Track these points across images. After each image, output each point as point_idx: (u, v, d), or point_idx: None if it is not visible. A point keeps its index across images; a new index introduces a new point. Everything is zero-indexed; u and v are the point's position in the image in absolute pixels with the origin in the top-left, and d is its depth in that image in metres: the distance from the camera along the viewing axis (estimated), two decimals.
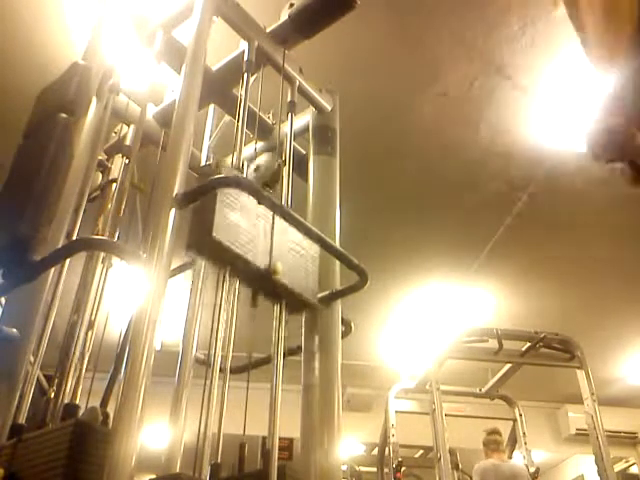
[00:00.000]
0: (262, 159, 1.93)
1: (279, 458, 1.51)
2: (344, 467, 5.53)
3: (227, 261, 1.55)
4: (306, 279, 1.71)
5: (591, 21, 0.69)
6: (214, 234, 1.45)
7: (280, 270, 1.58)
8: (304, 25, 2.06)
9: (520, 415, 4.91)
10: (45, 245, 1.67)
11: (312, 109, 2.24)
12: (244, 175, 1.69)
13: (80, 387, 1.71)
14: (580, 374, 4.22)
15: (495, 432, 4.69)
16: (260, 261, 1.56)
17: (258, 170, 1.94)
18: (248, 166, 2.32)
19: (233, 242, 1.50)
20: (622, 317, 5.49)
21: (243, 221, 1.55)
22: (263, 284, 1.61)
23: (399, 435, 4.84)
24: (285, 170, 1.98)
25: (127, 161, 2.16)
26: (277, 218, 1.64)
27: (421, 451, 5.95)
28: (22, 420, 1.61)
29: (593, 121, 0.66)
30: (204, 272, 2.23)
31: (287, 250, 1.67)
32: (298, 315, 1.80)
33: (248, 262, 1.53)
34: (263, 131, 2.20)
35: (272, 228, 1.63)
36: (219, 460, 1.73)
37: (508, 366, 4.68)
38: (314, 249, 1.78)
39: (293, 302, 1.69)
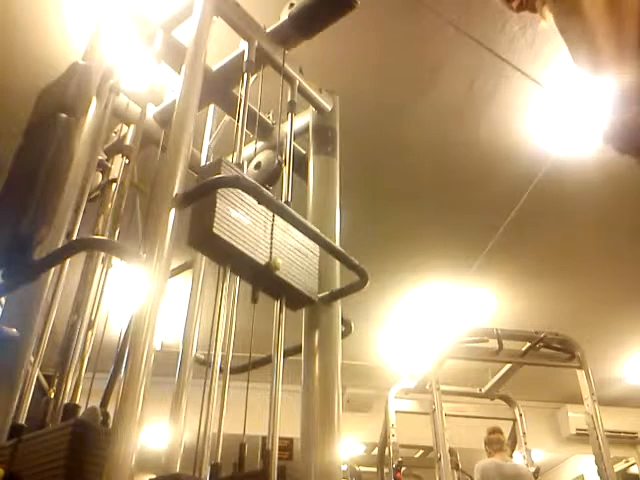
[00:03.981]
0: (262, 155, 1.96)
1: (279, 458, 1.51)
2: (344, 467, 5.53)
3: (227, 257, 1.56)
4: (306, 277, 1.74)
5: (596, 19, 0.69)
6: (214, 230, 1.47)
7: (280, 266, 1.61)
8: (304, 25, 2.06)
9: (520, 415, 4.91)
10: (45, 245, 1.67)
11: (312, 109, 2.24)
12: (245, 172, 1.69)
13: (80, 387, 1.70)
14: (580, 374, 4.22)
15: (497, 431, 4.69)
16: (260, 257, 1.59)
17: (259, 167, 1.96)
18: (248, 165, 2.33)
19: (233, 238, 1.52)
20: (622, 317, 5.49)
21: (244, 218, 1.58)
22: (263, 280, 1.64)
23: (399, 435, 4.83)
24: (285, 170, 1.98)
25: (127, 161, 2.16)
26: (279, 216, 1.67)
27: (421, 451, 5.95)
28: (22, 420, 1.61)
29: (610, 115, 0.66)
30: (204, 272, 2.23)
31: (288, 248, 1.70)
32: (298, 310, 1.81)
33: (248, 257, 1.55)
34: (263, 131, 2.20)
35: (272, 225, 1.66)
36: (219, 460, 1.73)
37: (508, 366, 4.68)
38: (316, 249, 1.81)
39: (293, 298, 1.72)
